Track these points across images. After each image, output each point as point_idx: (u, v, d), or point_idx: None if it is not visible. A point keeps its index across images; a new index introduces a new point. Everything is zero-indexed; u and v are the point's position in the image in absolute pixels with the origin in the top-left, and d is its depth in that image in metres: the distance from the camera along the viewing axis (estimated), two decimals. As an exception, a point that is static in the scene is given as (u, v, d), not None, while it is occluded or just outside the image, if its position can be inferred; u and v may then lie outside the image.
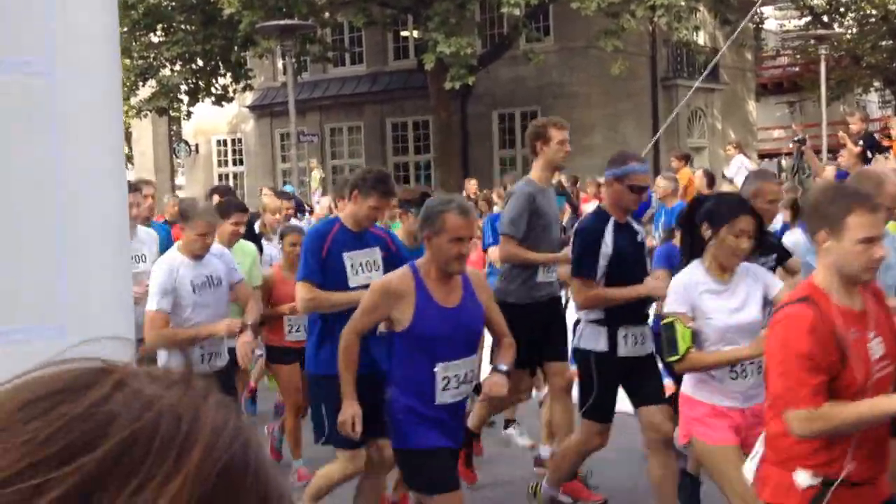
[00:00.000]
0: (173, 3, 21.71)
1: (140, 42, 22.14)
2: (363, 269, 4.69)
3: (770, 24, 30.66)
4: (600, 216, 4.93)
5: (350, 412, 3.98)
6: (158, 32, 22.25)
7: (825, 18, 27.72)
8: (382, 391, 4.08)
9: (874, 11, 25.83)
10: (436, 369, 3.79)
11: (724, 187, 13.36)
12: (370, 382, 4.25)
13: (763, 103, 30.00)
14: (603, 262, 4.74)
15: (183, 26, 22.11)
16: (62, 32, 2.65)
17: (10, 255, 2.31)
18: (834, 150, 16.97)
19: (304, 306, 4.73)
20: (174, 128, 29.92)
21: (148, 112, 23.18)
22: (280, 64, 24.20)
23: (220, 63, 22.45)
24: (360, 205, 4.64)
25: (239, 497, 0.53)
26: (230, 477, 0.53)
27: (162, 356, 4.84)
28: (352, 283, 4.62)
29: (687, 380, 4.02)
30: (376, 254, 4.76)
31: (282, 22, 17.16)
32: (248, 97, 25.59)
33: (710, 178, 14.31)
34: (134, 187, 6.19)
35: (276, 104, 24.79)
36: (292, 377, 6.18)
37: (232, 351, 5.22)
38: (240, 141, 27.85)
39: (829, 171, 10.96)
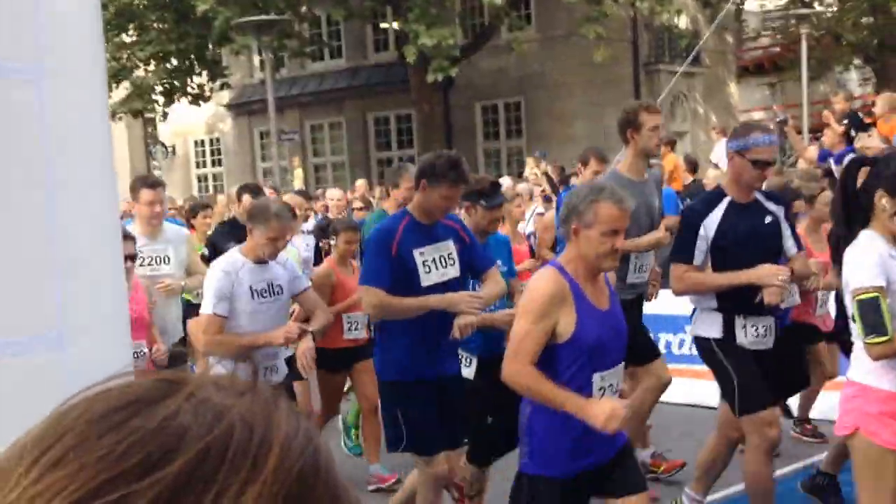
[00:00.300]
0: (145, 2, 21.20)
1: (112, 43, 21.63)
2: (437, 265, 4.25)
3: (750, 6, 30.50)
4: (714, 196, 4.49)
5: (608, 406, 3.25)
6: (130, 32, 21.71)
7: (806, -3, 27.62)
8: (454, 395, 3.92)
9: (855, -12, 25.71)
10: (592, 380, 3.34)
11: (710, 172, 13.19)
12: (440, 387, 4.11)
13: (744, 85, 29.83)
14: (703, 246, 4.33)
15: (156, 25, 21.59)
16: (49, 36, 2.58)
17: (2, 264, 2.30)
18: (815, 130, 16.84)
19: (373, 314, 4.34)
20: (150, 130, 29.37)
21: (122, 115, 22.67)
22: (256, 60, 23.74)
23: (195, 62, 21.96)
24: (429, 195, 4.17)
25: (314, 501, 0.54)
26: (304, 483, 0.54)
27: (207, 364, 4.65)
28: (424, 283, 4.20)
29: (862, 365, 3.47)
30: (450, 247, 4.30)
31: (258, 18, 16.75)
32: (225, 96, 25.08)
33: (693, 164, 14.11)
34: (156, 183, 5.76)
35: (254, 102, 24.31)
36: (338, 385, 5.99)
37: (289, 362, 4.93)
38: (218, 141, 27.34)
39: (812, 151, 10.83)
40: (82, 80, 2.74)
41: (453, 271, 4.25)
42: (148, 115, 24.34)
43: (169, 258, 5.66)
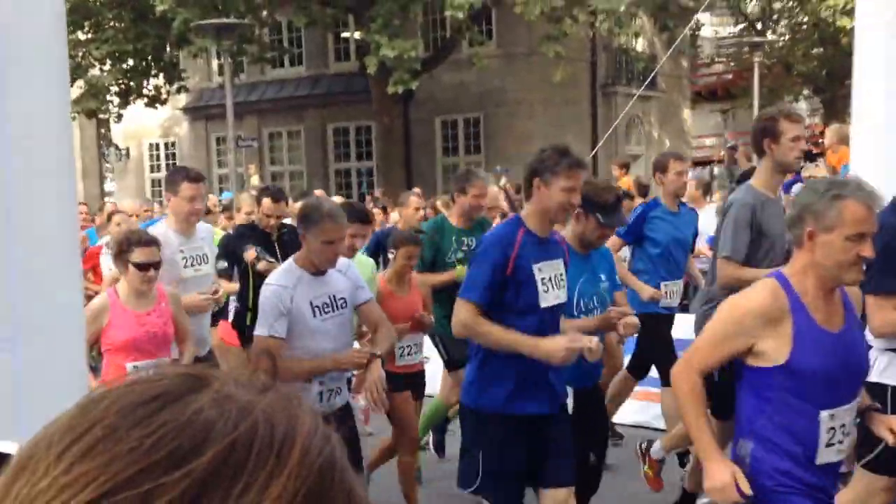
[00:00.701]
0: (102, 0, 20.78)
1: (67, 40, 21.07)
2: (552, 285, 3.71)
3: (705, 32, 30.94)
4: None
5: (728, 472, 2.80)
6: (86, 30, 21.20)
7: (759, 26, 28.06)
8: (559, 433, 3.62)
9: (806, 19, 26.17)
10: (820, 417, 2.82)
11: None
12: (540, 426, 3.69)
13: (697, 111, 30.19)
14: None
15: (112, 23, 21.08)
16: (14, 32, 2.45)
17: None
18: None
19: (458, 331, 3.73)
20: (103, 131, 28.72)
21: (76, 114, 22.12)
22: (215, 64, 23.33)
23: (152, 63, 21.49)
24: (548, 194, 3.63)
25: (332, 497, 0.56)
26: (323, 479, 0.56)
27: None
28: (543, 304, 3.67)
29: None
30: (561, 266, 3.79)
31: (218, 20, 16.44)
32: (182, 99, 24.63)
33: (645, 188, 14.13)
34: (199, 177, 5.19)
35: (212, 107, 23.87)
36: (406, 407, 5.21)
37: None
38: (173, 145, 26.80)
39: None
40: (46, 79, 2.60)
41: (563, 295, 3.79)
42: (102, 115, 23.77)
43: (207, 256, 5.22)
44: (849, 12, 20.71)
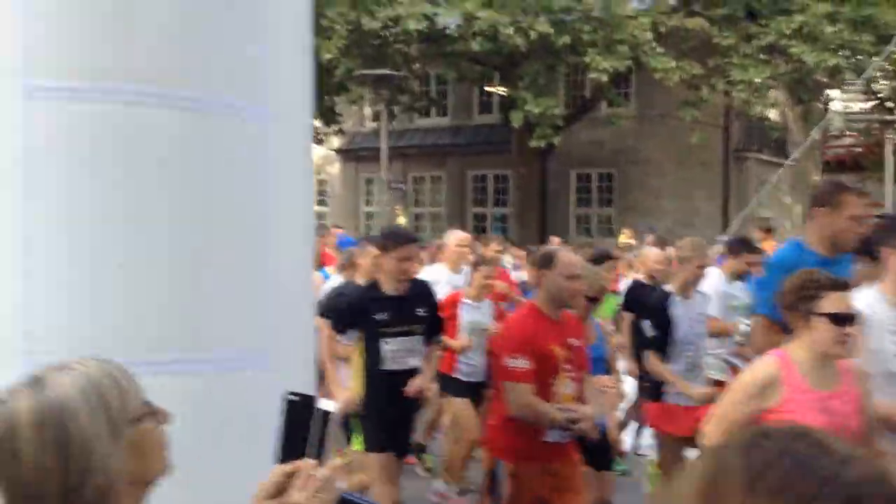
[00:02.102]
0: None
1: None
2: None
3: (836, 105, 29.92)
4: None
5: None
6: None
7: (890, 104, 26.90)
8: None
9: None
10: None
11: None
12: None
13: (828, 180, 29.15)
14: None
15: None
16: (274, 78, 2.54)
17: (225, 283, 2.26)
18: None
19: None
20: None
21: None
22: (368, 110, 24.06)
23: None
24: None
25: None
26: None
27: None
28: None
29: None
30: None
31: (377, 71, 16.98)
32: (335, 141, 25.47)
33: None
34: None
35: (363, 149, 24.56)
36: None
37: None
38: (325, 182, 27.71)
39: None
40: (295, 120, 2.72)
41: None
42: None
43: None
44: None
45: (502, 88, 21.22)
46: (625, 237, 14.86)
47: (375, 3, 18.27)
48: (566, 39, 17.06)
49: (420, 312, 4.63)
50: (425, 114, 24.19)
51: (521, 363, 3.79)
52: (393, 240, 4.68)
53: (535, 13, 16.97)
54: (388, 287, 4.59)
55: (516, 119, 18.04)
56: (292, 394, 1.34)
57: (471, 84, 22.21)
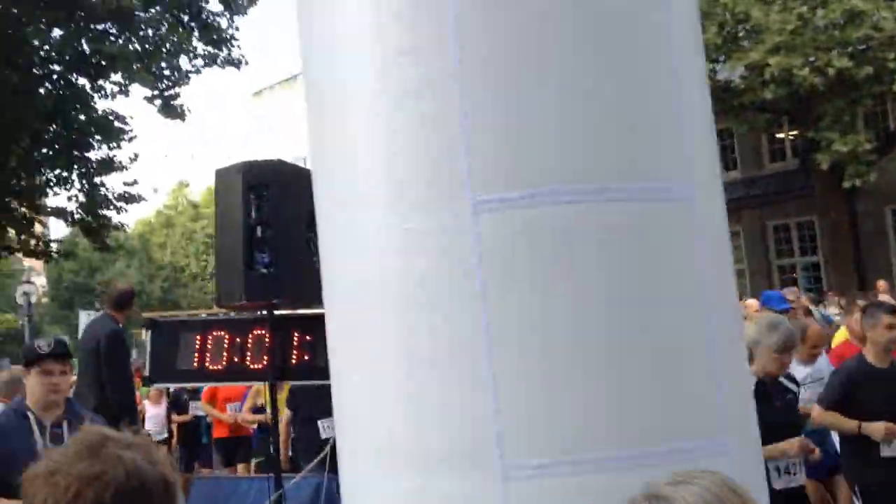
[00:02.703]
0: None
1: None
2: None
3: None
4: None
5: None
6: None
7: None
8: None
9: None
10: None
11: None
12: None
13: None
14: None
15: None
16: (695, 154, 2.41)
17: (668, 368, 2.16)
18: None
19: None
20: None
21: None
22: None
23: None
24: None
25: None
26: None
27: None
28: None
29: None
30: None
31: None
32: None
33: None
34: None
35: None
36: None
37: None
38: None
39: None
40: (714, 194, 2.59)
41: None
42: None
43: None
44: None
45: (793, 132, 19.92)
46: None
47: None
48: (868, 70, 15.75)
49: None
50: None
51: None
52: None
53: (828, 49, 15.86)
54: None
55: (823, 161, 16.80)
56: None
57: (759, 133, 21.14)
